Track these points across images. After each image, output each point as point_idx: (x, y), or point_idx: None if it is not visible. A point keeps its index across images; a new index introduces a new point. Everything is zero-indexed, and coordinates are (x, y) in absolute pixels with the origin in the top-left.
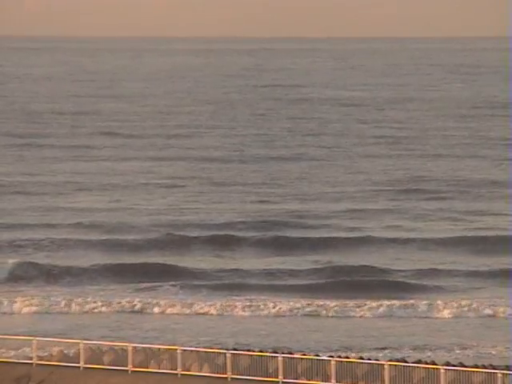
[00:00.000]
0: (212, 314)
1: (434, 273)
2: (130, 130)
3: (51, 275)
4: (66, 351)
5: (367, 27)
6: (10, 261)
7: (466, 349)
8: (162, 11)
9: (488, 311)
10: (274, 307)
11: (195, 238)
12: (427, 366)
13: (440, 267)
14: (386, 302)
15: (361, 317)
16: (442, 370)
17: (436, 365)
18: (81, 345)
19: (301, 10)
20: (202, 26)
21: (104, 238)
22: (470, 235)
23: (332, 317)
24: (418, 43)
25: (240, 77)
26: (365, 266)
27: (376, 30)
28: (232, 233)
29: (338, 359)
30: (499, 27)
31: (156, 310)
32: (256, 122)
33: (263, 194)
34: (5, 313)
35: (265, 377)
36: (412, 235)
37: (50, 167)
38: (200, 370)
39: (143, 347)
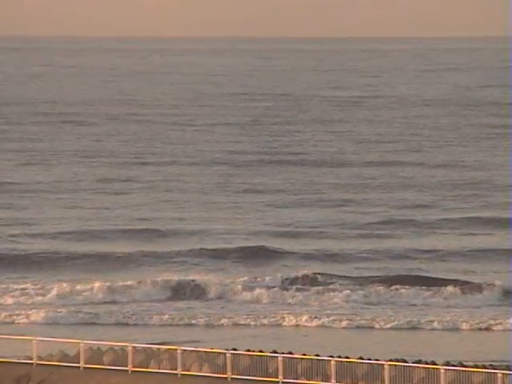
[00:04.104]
0: None
1: None
2: (133, 131)
3: None
4: (66, 351)
5: (368, 28)
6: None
7: None
8: (162, 11)
9: None
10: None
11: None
12: (427, 366)
13: None
14: None
15: None
16: (442, 370)
17: (436, 365)
18: (81, 345)
19: (301, 10)
20: (200, 25)
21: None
22: None
23: None
24: (417, 43)
25: (239, 76)
26: None
27: (377, 30)
28: None
29: (337, 359)
30: (499, 27)
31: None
32: (255, 122)
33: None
34: None
35: (265, 377)
36: None
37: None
38: (200, 370)
39: (143, 347)
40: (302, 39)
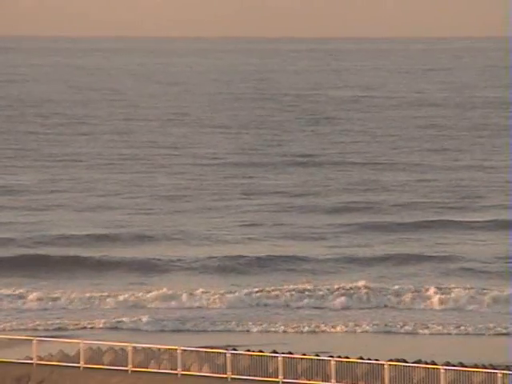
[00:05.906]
0: None
1: None
2: (133, 131)
3: None
4: (66, 351)
5: (368, 28)
6: None
7: None
8: (161, 11)
9: None
10: None
11: None
12: (427, 366)
13: None
14: None
15: None
16: (442, 370)
17: (436, 365)
18: (81, 345)
19: (300, 10)
20: (198, 25)
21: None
22: None
23: None
24: (416, 43)
25: (237, 76)
26: None
27: (377, 30)
28: None
29: (337, 359)
30: (499, 27)
31: None
32: (256, 122)
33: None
34: None
35: (265, 377)
36: None
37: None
38: (200, 370)
39: (143, 347)
40: (301, 39)
